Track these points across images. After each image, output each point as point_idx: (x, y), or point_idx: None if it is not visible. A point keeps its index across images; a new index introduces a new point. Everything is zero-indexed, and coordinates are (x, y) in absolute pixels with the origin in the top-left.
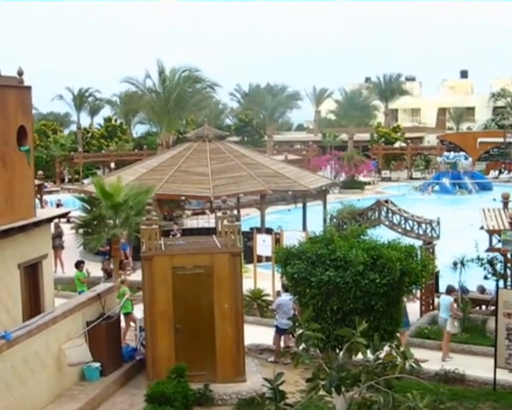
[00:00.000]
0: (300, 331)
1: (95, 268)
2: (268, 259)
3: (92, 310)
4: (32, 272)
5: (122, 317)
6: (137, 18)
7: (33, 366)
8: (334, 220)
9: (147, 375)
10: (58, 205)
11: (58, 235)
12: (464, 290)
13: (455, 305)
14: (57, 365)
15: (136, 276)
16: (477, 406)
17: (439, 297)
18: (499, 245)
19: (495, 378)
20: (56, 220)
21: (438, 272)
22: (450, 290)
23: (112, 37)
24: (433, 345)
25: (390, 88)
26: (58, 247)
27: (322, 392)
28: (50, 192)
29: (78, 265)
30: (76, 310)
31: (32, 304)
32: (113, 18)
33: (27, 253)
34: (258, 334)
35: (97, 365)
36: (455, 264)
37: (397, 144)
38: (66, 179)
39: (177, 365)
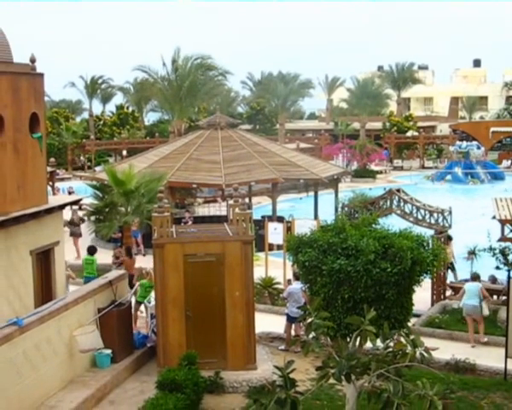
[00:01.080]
0: (310, 320)
1: (106, 255)
2: (279, 247)
3: (104, 297)
4: (44, 259)
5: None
6: (151, 7)
7: (45, 352)
8: (346, 209)
9: (158, 362)
10: (70, 192)
11: (75, 222)
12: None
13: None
14: (69, 351)
15: (147, 263)
16: (487, 395)
17: (451, 288)
18: (511, 235)
19: (506, 368)
20: (75, 207)
21: (452, 263)
22: (475, 277)
23: (124, 25)
24: (443, 334)
25: (402, 77)
26: (76, 234)
27: (332, 380)
28: (62, 179)
29: (94, 251)
30: (87, 297)
31: (44, 291)
32: (124, 6)
33: (39, 240)
34: (268, 322)
35: (108, 351)
36: (470, 253)
37: (409, 133)
38: (83, 164)
39: (187, 352)
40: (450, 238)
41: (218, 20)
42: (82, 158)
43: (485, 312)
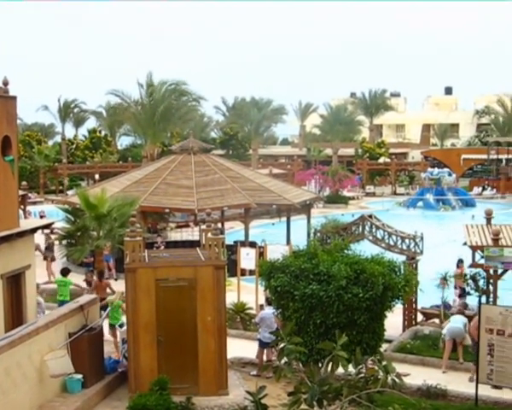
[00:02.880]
0: (283, 345)
1: (78, 279)
2: (251, 272)
3: (75, 321)
4: (14, 283)
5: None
6: (124, 32)
7: (15, 377)
8: (318, 235)
9: (129, 387)
10: (42, 216)
11: (49, 246)
12: (447, 306)
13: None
14: (39, 376)
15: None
16: None
17: (423, 313)
18: (482, 261)
19: (477, 394)
20: (47, 232)
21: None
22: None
23: (97, 49)
24: (415, 360)
25: (375, 103)
26: (49, 258)
27: (304, 406)
28: (34, 203)
29: (67, 272)
30: (58, 321)
31: (15, 315)
32: (99, 30)
33: (10, 263)
34: (240, 347)
35: (79, 376)
36: (443, 280)
37: (381, 160)
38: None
39: (159, 377)
40: (461, 261)
41: (191, 45)
42: (66, 181)
43: (468, 341)
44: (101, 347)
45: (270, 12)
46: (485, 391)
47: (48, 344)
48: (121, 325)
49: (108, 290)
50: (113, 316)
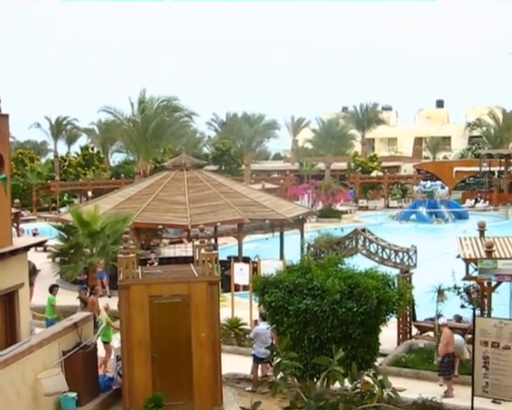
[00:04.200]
0: (278, 360)
1: (72, 297)
2: (245, 288)
3: (69, 339)
4: (8, 301)
5: (102, 345)
6: (115, 48)
7: (9, 395)
8: (312, 249)
9: (124, 405)
10: (35, 234)
11: (35, 269)
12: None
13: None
14: (33, 394)
15: (112, 305)
16: None
17: (417, 327)
18: (476, 274)
19: (472, 407)
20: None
21: (413, 301)
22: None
23: (89, 66)
24: (410, 373)
25: (367, 117)
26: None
27: None
28: (27, 221)
29: (52, 289)
30: (52, 339)
31: (8, 333)
32: (89, 48)
33: (3, 281)
34: (235, 363)
35: (73, 394)
36: (440, 293)
37: (374, 173)
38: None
39: (154, 394)
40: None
41: (182, 60)
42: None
43: (466, 355)
44: (96, 364)
45: (262, 27)
46: (481, 404)
47: (42, 362)
48: (106, 343)
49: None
50: (104, 333)
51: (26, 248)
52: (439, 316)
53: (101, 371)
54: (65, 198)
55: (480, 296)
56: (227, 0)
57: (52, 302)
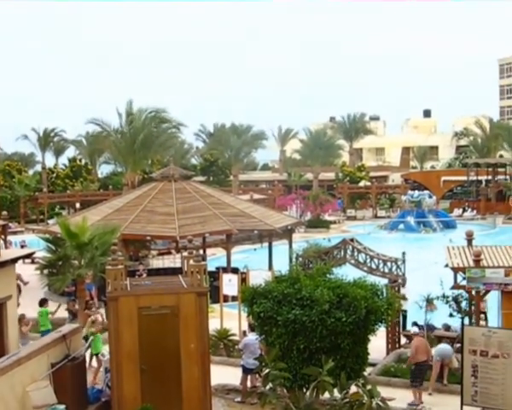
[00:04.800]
0: (267, 371)
1: (60, 309)
2: (234, 298)
3: (57, 351)
4: None
5: (94, 358)
6: (102, 60)
7: None
8: (300, 259)
9: None
10: (22, 246)
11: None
12: (430, 328)
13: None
14: (22, 407)
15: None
16: None
17: (406, 336)
18: (464, 283)
19: None
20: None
21: (405, 311)
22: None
23: (77, 77)
24: (399, 383)
25: (354, 127)
26: None
27: None
28: (15, 233)
29: (43, 302)
30: (41, 351)
31: None
32: (76, 60)
33: None
34: (224, 374)
35: (62, 407)
36: (430, 303)
37: (362, 183)
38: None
39: (143, 406)
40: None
41: (169, 71)
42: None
43: (455, 364)
44: (85, 376)
45: (249, 39)
46: None
47: (30, 375)
48: (102, 355)
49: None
50: (92, 345)
51: (14, 261)
52: (428, 325)
53: (92, 383)
54: (54, 210)
55: (474, 308)
56: (214, 10)
57: (45, 313)
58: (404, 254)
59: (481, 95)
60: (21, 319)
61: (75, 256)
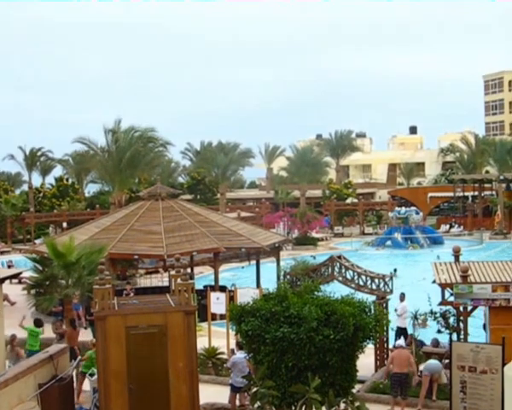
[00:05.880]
0: (255, 389)
1: (47, 329)
2: (222, 317)
3: (44, 372)
4: None
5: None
6: (88, 78)
7: None
8: (288, 277)
9: None
10: (10, 266)
11: None
12: (419, 344)
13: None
14: None
15: (88, 336)
16: None
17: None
18: (452, 298)
19: None
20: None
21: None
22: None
23: (63, 96)
24: (388, 400)
25: (341, 144)
26: None
27: None
28: (2, 253)
29: (40, 323)
30: (28, 372)
31: None
32: (62, 79)
33: None
34: (213, 393)
35: None
36: (424, 320)
37: (349, 200)
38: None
39: None
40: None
41: (156, 90)
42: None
43: (444, 379)
44: (72, 397)
45: (235, 58)
46: None
47: (17, 396)
48: (92, 374)
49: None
50: (87, 365)
51: (1, 281)
52: (416, 341)
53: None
54: (43, 230)
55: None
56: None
57: (38, 334)
58: (395, 270)
59: (467, 111)
60: (13, 339)
61: (62, 276)
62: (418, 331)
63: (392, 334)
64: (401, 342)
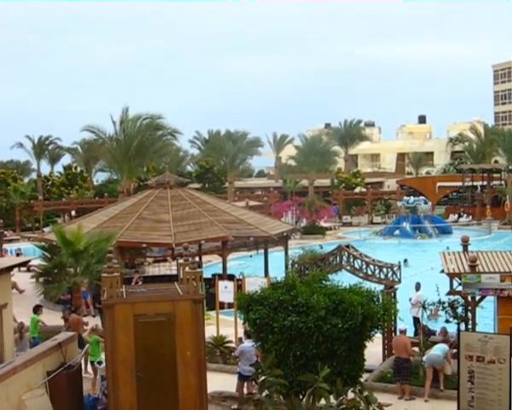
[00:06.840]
0: (263, 378)
1: (55, 317)
2: (230, 305)
3: (53, 360)
4: None
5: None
6: (96, 66)
7: None
8: (296, 266)
9: None
10: (18, 254)
11: None
12: (429, 332)
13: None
14: None
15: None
16: None
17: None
18: (460, 288)
19: None
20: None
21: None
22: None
23: (71, 84)
24: (396, 389)
25: (350, 134)
26: None
27: None
28: (10, 241)
29: (37, 309)
30: (36, 360)
31: None
32: (70, 66)
33: None
34: (221, 381)
35: None
36: (436, 310)
37: (357, 190)
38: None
39: None
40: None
41: (165, 79)
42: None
43: (448, 370)
44: (81, 384)
45: (245, 46)
46: None
47: (26, 383)
48: (100, 362)
49: (85, 327)
50: (91, 352)
51: (10, 269)
52: (426, 329)
53: (92, 392)
54: (50, 218)
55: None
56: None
57: (35, 321)
58: (406, 260)
59: (476, 100)
60: (21, 327)
61: (71, 264)
62: (427, 321)
63: (400, 323)
64: (402, 327)
